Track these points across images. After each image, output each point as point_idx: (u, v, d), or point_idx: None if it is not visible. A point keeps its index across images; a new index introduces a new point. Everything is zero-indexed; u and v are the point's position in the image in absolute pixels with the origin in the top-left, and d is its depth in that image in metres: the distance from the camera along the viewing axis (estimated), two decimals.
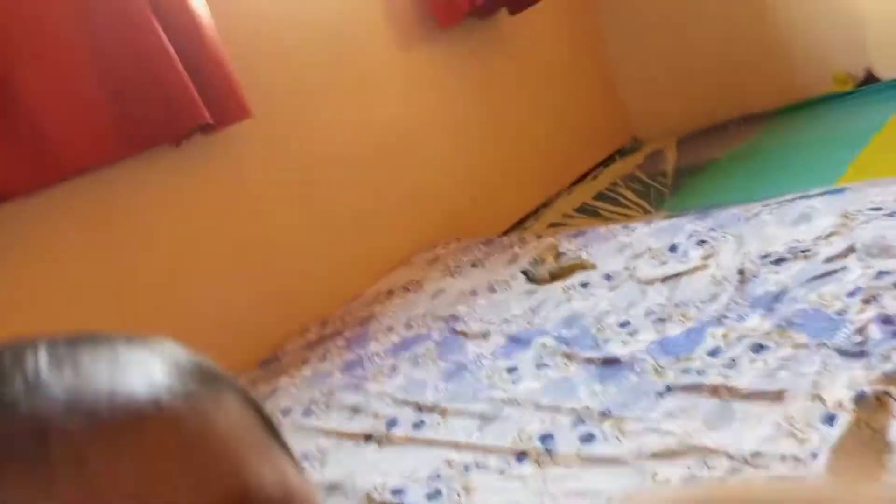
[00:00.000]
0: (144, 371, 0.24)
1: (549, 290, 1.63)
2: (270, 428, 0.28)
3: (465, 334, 1.58)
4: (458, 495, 1.07)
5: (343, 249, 2.10)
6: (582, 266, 1.67)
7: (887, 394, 0.91)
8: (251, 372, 1.80)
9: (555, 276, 1.67)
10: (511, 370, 1.36)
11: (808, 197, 1.60)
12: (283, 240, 2.00)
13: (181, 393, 0.24)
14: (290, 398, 1.58)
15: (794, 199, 1.61)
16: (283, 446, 0.28)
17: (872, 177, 1.85)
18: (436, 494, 1.09)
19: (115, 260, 1.70)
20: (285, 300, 1.96)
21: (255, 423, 0.27)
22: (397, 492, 1.13)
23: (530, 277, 1.71)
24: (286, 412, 1.53)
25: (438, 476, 1.13)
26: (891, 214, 1.39)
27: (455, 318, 1.68)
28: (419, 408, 1.35)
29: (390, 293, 1.98)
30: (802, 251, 1.37)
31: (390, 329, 1.77)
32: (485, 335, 1.54)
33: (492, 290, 1.76)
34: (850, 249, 1.31)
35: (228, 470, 0.22)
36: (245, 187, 1.95)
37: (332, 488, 1.19)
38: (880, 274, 1.20)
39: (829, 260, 1.31)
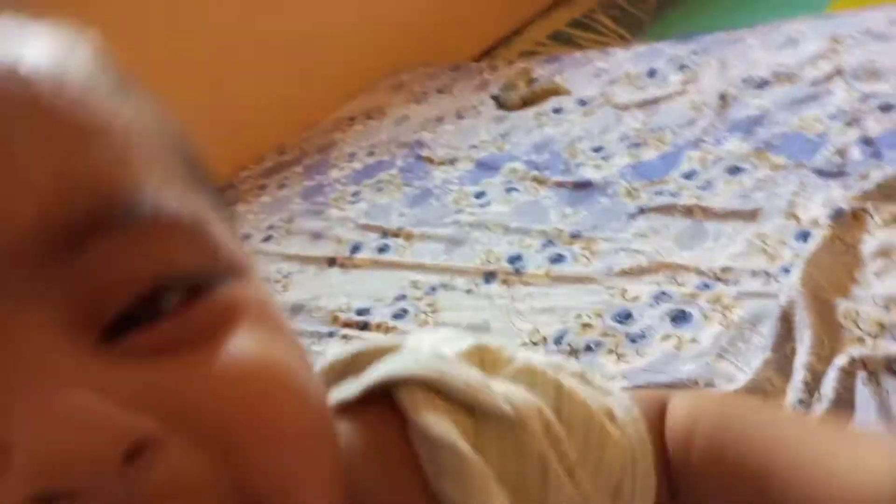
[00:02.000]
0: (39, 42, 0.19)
1: (520, 116, 1.56)
2: (201, 178, 0.23)
3: (430, 160, 1.52)
4: (425, 314, 1.06)
5: (300, 75, 1.96)
6: (555, 91, 1.58)
7: (864, 210, 0.89)
8: None
9: (526, 102, 1.58)
10: (479, 195, 1.32)
11: (797, 22, 1.51)
12: (235, 62, 1.84)
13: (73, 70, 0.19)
14: (248, 224, 1.53)
15: (781, 24, 1.52)
16: (218, 208, 0.22)
17: (861, 4, 1.76)
18: (402, 313, 1.08)
19: None
20: (239, 128, 1.85)
21: (173, 149, 0.22)
22: (363, 311, 1.11)
23: (500, 103, 1.63)
24: (246, 238, 1.48)
25: (404, 296, 1.11)
26: (881, 37, 1.32)
27: (420, 144, 1.61)
28: (384, 232, 1.31)
29: (351, 120, 1.88)
30: (787, 74, 1.31)
31: (352, 156, 1.69)
32: (451, 161, 1.48)
33: (459, 116, 1.68)
34: (837, 72, 1.25)
35: (101, 166, 0.17)
36: (197, 5, 1.76)
37: (296, 309, 1.17)
38: (865, 97, 1.15)
39: (815, 83, 1.25)
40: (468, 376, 0.29)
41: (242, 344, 0.19)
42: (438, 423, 0.27)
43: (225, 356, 0.19)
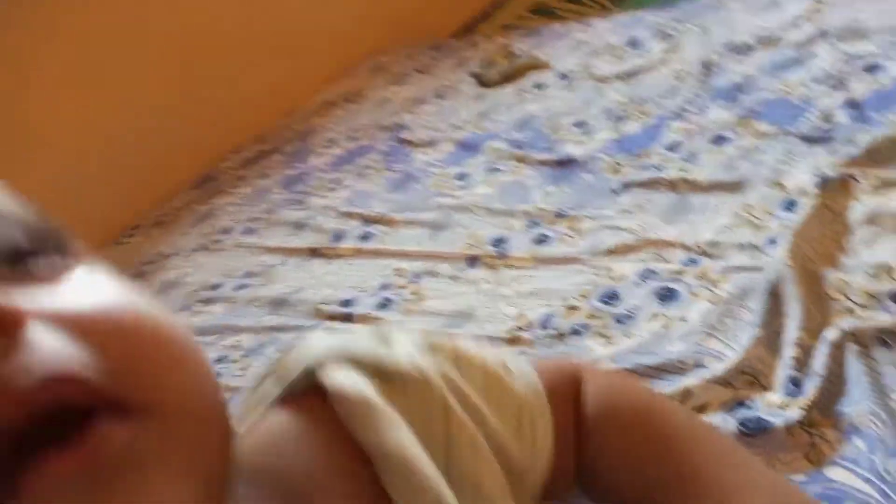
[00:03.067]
0: None
1: (501, 92, 1.53)
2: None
3: (411, 143, 1.49)
4: (410, 303, 1.04)
5: (277, 60, 1.92)
6: (535, 66, 1.55)
7: (851, 176, 0.87)
8: (185, 193, 1.70)
9: (507, 78, 1.55)
10: (461, 177, 1.29)
11: None
12: (211, 50, 1.80)
13: None
14: (230, 217, 1.50)
15: None
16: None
17: None
18: (386, 303, 1.05)
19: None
20: (217, 117, 1.81)
21: None
22: (347, 303, 1.09)
23: (480, 80, 1.59)
24: (227, 231, 1.46)
25: (388, 285, 1.09)
26: None
27: (400, 126, 1.58)
28: (366, 220, 1.29)
29: (330, 105, 1.85)
30: (770, 38, 1.28)
31: (332, 142, 1.66)
32: (432, 143, 1.45)
33: (439, 96, 1.64)
34: (821, 34, 1.22)
35: None
36: None
37: (279, 303, 1.15)
38: (850, 58, 1.12)
39: (798, 46, 1.22)
40: (371, 345, 0.33)
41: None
42: (348, 379, 0.31)
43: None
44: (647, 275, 0.88)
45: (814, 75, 1.13)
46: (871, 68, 1.08)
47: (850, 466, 0.60)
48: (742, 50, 1.29)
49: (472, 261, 1.06)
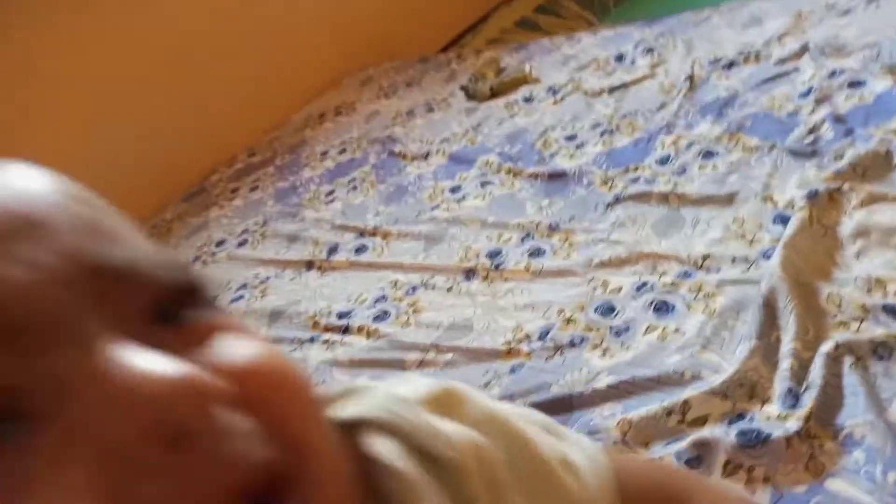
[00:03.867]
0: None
1: (491, 106, 1.54)
2: None
3: (403, 156, 1.50)
4: (406, 315, 1.04)
5: (266, 73, 1.92)
6: (524, 80, 1.57)
7: (839, 190, 0.90)
8: (177, 206, 1.69)
9: (496, 92, 1.57)
10: (454, 189, 1.31)
11: None
12: (199, 64, 1.80)
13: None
14: (223, 230, 1.50)
15: (745, 2, 1.52)
16: None
17: None
18: (383, 315, 1.06)
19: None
20: (207, 130, 1.81)
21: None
22: (343, 315, 1.09)
23: (470, 94, 1.61)
24: (220, 244, 1.45)
25: (385, 297, 1.10)
26: (845, 12, 1.32)
27: (392, 139, 1.59)
28: (360, 232, 1.29)
29: (321, 117, 1.86)
30: (754, 53, 1.31)
31: (324, 154, 1.66)
32: (425, 156, 1.46)
33: (430, 109, 1.66)
34: (803, 49, 1.25)
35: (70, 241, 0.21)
36: (159, 7, 1.71)
37: (275, 315, 1.15)
38: (833, 73, 1.15)
39: (781, 62, 1.26)
40: (416, 419, 0.30)
41: (248, 342, 0.23)
42: (391, 454, 0.29)
43: (243, 347, 0.23)
44: (643, 287, 0.90)
45: (799, 90, 1.16)
46: (854, 83, 1.11)
47: (852, 478, 0.61)
48: (727, 65, 1.32)
49: (468, 273, 1.07)
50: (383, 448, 0.29)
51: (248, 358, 0.22)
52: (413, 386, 0.33)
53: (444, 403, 0.32)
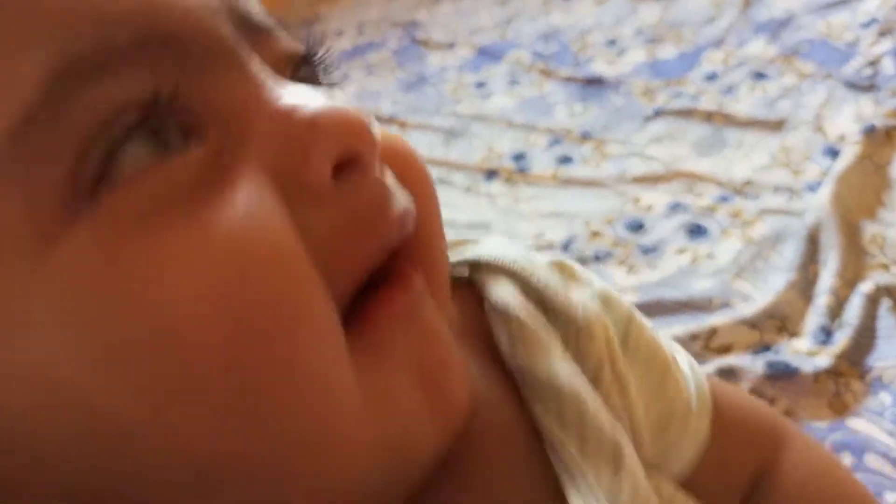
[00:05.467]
0: None
1: (526, 0, 1.44)
2: None
3: (426, 44, 1.41)
4: None
5: None
6: None
7: None
8: None
9: None
10: (480, 85, 1.23)
11: None
12: None
13: None
14: None
15: None
16: None
17: None
18: None
19: None
20: None
21: None
22: None
23: None
24: None
25: None
26: None
27: (415, 25, 1.49)
28: (376, 119, 1.23)
29: None
30: None
31: (340, 33, 1.57)
32: (450, 45, 1.37)
33: None
34: None
35: None
36: None
37: None
38: None
39: None
40: (548, 276, 0.29)
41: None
42: (515, 299, 0.27)
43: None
44: (677, 207, 0.86)
45: (860, 20, 1.09)
46: None
47: (874, 419, 0.60)
48: None
49: (490, 174, 1.02)
50: (504, 290, 0.27)
51: (384, 134, 0.22)
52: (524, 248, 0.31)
53: (561, 271, 0.30)
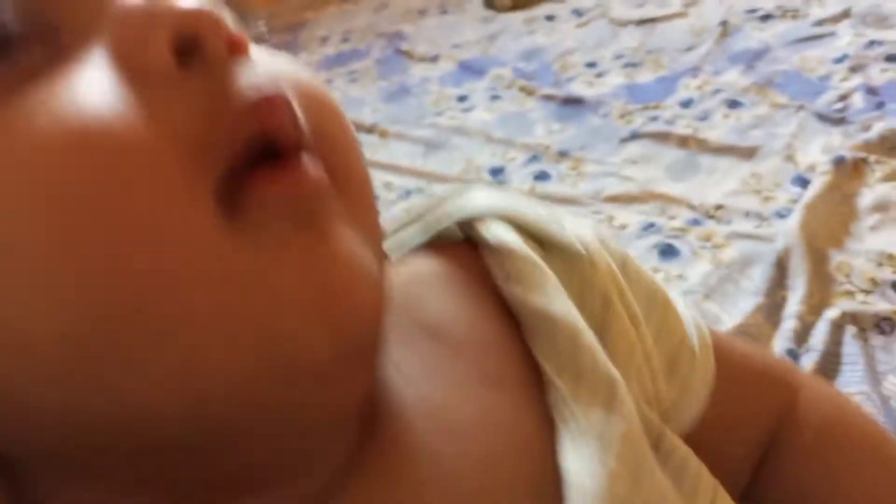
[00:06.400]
0: None
1: (509, 18, 1.46)
2: None
3: (409, 55, 1.42)
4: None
5: None
6: None
7: (864, 161, 0.87)
8: None
9: (517, 5, 1.48)
10: (461, 98, 1.24)
11: None
12: None
13: None
14: None
15: None
16: None
17: None
18: None
19: None
20: None
21: None
22: None
23: (489, 2, 1.52)
24: None
25: (377, 198, 1.04)
26: None
27: (399, 36, 1.50)
28: (356, 127, 1.22)
29: (325, 1, 1.74)
30: (792, 10, 1.26)
31: (324, 40, 1.57)
32: (433, 58, 1.38)
33: (443, 10, 1.57)
34: (844, 14, 1.20)
35: None
36: None
37: None
38: (871, 44, 1.11)
39: (819, 23, 1.21)
40: (541, 211, 0.28)
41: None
42: (510, 236, 0.27)
43: (285, 63, 0.22)
44: (649, 228, 0.87)
45: (833, 55, 1.12)
46: (891, 57, 1.07)
47: None
48: (763, 17, 1.26)
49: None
50: (499, 230, 0.27)
51: (292, 71, 0.21)
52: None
53: (555, 215, 0.29)
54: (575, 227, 0.28)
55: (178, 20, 0.18)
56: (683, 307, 0.32)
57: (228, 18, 0.20)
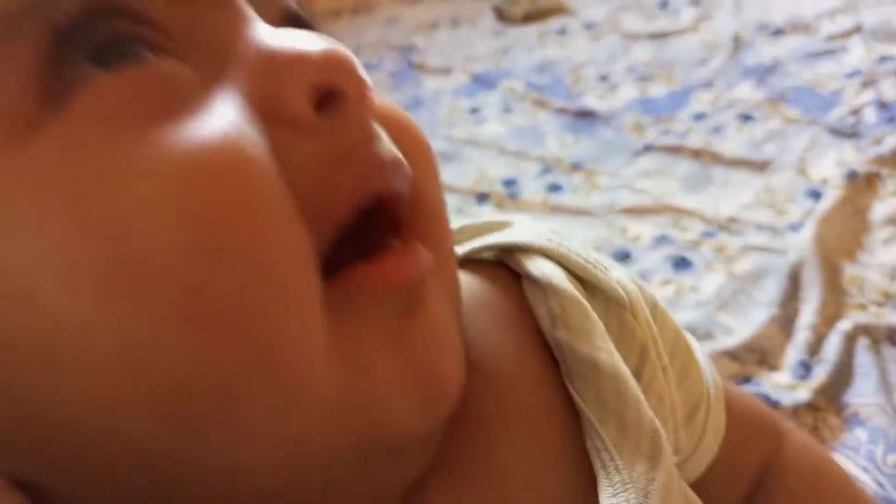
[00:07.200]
0: None
1: (522, 32, 1.48)
2: None
3: (422, 67, 1.44)
4: None
5: None
6: (559, 9, 1.50)
7: (877, 175, 0.88)
8: None
9: (529, 17, 1.50)
10: (474, 111, 1.25)
11: None
12: None
13: None
14: None
15: None
16: None
17: None
18: None
19: None
20: None
21: None
22: None
23: (501, 15, 1.54)
24: None
25: None
26: None
27: (412, 49, 1.51)
28: None
29: (336, 14, 1.76)
30: (803, 25, 1.27)
31: None
32: (445, 71, 1.40)
33: (455, 24, 1.58)
34: (855, 29, 1.21)
35: None
36: None
37: None
38: (883, 59, 1.12)
39: (831, 38, 1.22)
40: (587, 253, 0.28)
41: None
42: (553, 270, 0.27)
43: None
44: (663, 240, 0.88)
45: (844, 70, 1.13)
46: None
47: (850, 454, 0.61)
48: (774, 32, 1.27)
49: (481, 197, 1.04)
50: (545, 266, 0.27)
51: (383, 101, 0.22)
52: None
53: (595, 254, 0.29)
54: (616, 270, 0.28)
55: (321, 72, 0.18)
56: (700, 354, 0.32)
57: (359, 64, 0.20)
